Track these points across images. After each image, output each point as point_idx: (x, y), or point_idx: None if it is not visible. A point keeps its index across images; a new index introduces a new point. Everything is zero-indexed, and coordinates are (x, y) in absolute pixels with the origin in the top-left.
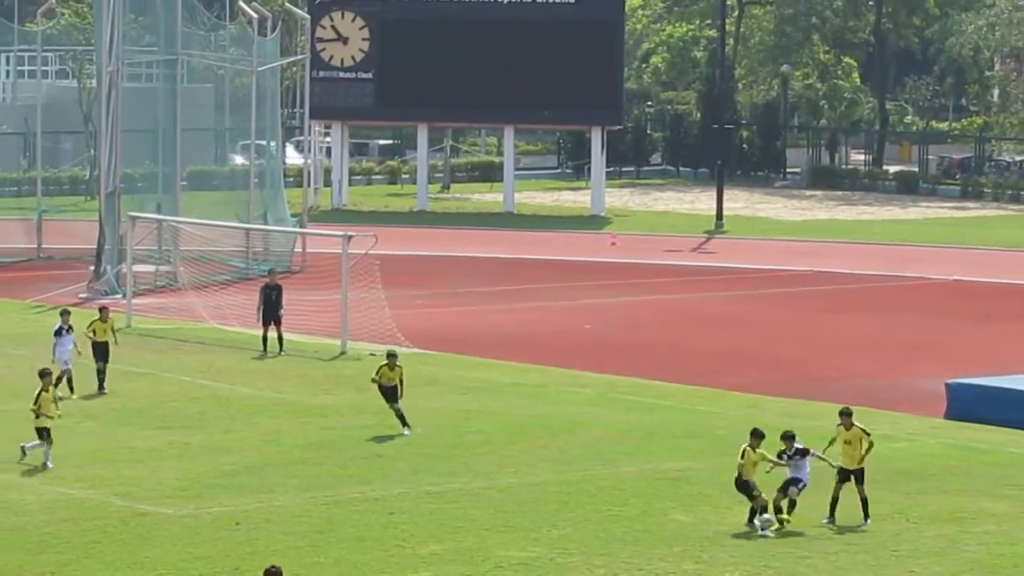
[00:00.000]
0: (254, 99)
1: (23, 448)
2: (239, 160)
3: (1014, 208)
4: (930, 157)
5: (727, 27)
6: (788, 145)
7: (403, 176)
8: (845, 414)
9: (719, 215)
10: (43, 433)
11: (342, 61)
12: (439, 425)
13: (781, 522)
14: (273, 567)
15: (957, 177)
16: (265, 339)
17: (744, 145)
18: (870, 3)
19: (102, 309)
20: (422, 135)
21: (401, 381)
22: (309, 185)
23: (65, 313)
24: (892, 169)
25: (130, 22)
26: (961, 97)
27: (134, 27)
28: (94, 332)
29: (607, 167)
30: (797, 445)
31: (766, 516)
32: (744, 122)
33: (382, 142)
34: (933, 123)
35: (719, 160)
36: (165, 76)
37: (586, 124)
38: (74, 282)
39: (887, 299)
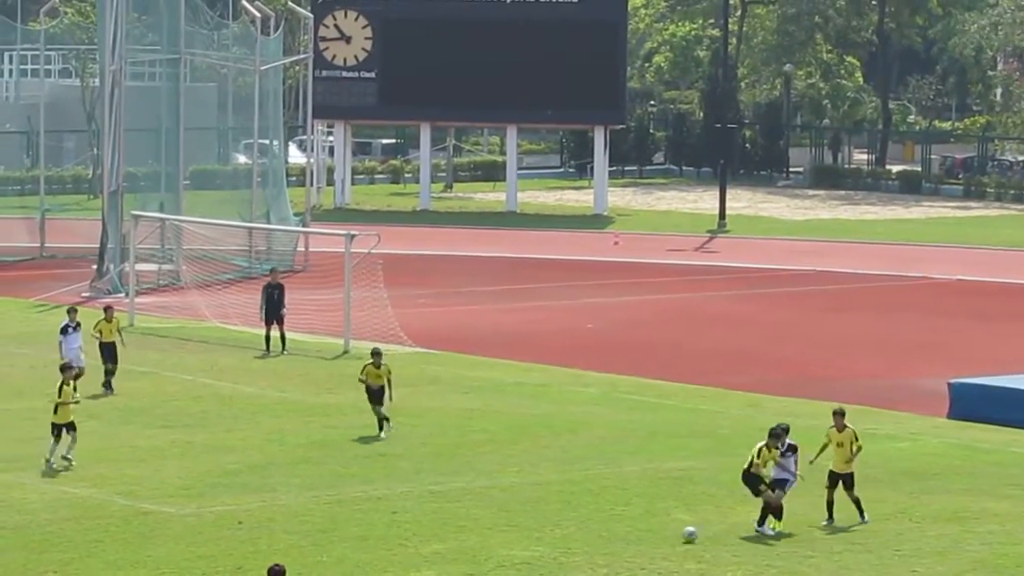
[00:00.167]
0: (257, 98)
1: (68, 459)
2: (242, 159)
3: (1017, 208)
4: (933, 157)
5: (730, 26)
6: (791, 144)
7: (406, 175)
8: (838, 414)
9: (722, 215)
10: (57, 429)
11: (345, 60)
12: (442, 424)
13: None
14: (276, 566)
15: (960, 177)
16: (268, 338)
17: (747, 144)
18: (873, 2)
19: (107, 309)
20: (425, 134)
21: (389, 382)
22: (312, 184)
23: (72, 311)
24: (895, 169)
25: (133, 21)
26: (964, 97)
27: (137, 26)
28: (100, 332)
29: (610, 166)
30: (789, 441)
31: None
32: (747, 121)
33: (385, 141)
34: (936, 123)
35: (722, 159)
36: (168, 75)
37: (589, 123)
38: (77, 281)
39: (890, 299)
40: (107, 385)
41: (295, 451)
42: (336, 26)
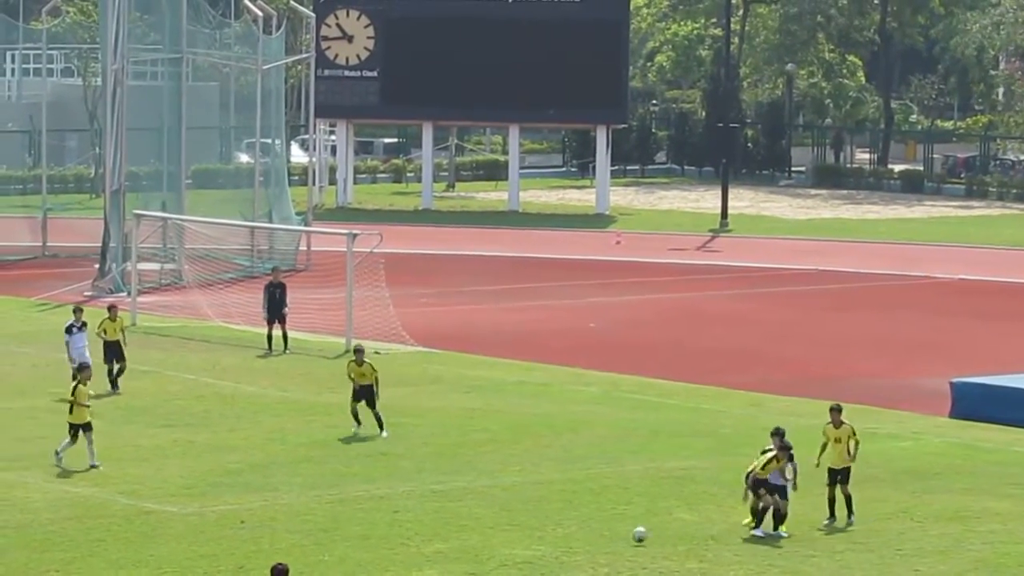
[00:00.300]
0: (259, 97)
1: (95, 466)
2: (244, 158)
3: (1019, 207)
4: (935, 156)
5: (732, 26)
6: (793, 144)
7: (408, 175)
8: (835, 410)
9: (724, 214)
10: (74, 429)
11: (347, 59)
12: (444, 423)
13: (753, 526)
14: (280, 565)
15: (962, 176)
16: (270, 337)
17: (749, 144)
18: (875, 2)
19: (111, 308)
20: (427, 134)
21: (376, 381)
22: (314, 183)
23: (78, 310)
24: (897, 168)
25: (135, 20)
26: (966, 96)
27: (139, 25)
28: (104, 332)
29: (612, 166)
30: (786, 441)
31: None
32: (749, 121)
33: (387, 140)
34: (938, 122)
35: (724, 159)
36: (170, 74)
37: (591, 123)
38: (79, 280)
39: (892, 298)
40: (114, 384)
41: (297, 450)
42: (338, 25)
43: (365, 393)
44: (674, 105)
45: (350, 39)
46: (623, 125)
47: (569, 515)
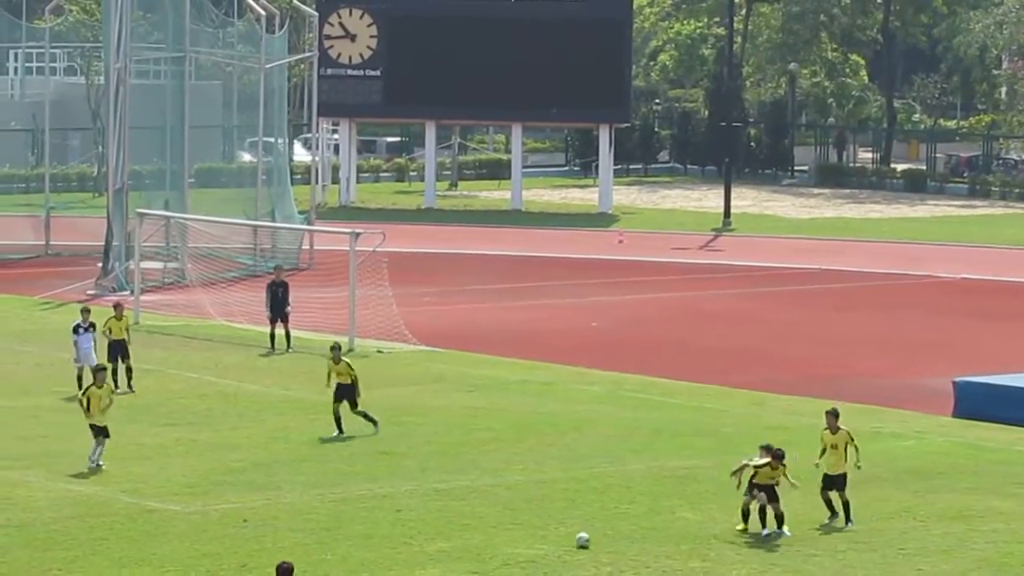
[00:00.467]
0: (262, 96)
1: (98, 463)
2: (247, 157)
3: (1022, 206)
4: (938, 155)
5: (735, 25)
6: (796, 143)
7: (411, 173)
8: (832, 414)
9: (727, 213)
10: (96, 430)
11: (350, 58)
12: (447, 422)
13: (745, 530)
14: (285, 563)
15: (965, 175)
16: (273, 336)
17: (752, 143)
18: (878, 1)
19: (117, 306)
20: (430, 132)
21: (355, 380)
22: (317, 182)
23: (86, 311)
24: (900, 167)
25: (138, 19)
26: (969, 95)
27: (142, 24)
28: (110, 330)
29: (615, 165)
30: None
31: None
32: (752, 120)
33: (390, 139)
34: (941, 121)
35: (727, 158)
36: (173, 73)
37: (594, 122)
38: (82, 279)
39: (895, 297)
40: (127, 384)
41: (300, 449)
42: (341, 24)
43: (346, 392)
44: (677, 104)
45: (353, 38)
46: (626, 124)
47: (572, 514)
